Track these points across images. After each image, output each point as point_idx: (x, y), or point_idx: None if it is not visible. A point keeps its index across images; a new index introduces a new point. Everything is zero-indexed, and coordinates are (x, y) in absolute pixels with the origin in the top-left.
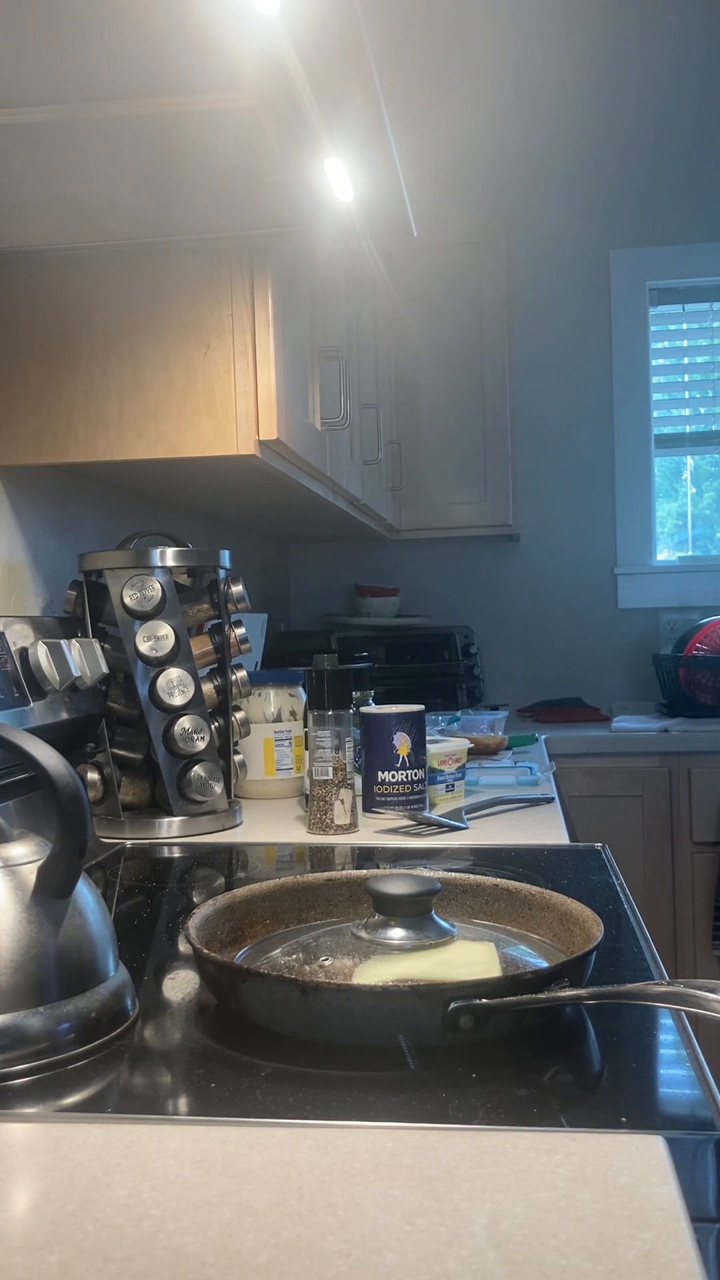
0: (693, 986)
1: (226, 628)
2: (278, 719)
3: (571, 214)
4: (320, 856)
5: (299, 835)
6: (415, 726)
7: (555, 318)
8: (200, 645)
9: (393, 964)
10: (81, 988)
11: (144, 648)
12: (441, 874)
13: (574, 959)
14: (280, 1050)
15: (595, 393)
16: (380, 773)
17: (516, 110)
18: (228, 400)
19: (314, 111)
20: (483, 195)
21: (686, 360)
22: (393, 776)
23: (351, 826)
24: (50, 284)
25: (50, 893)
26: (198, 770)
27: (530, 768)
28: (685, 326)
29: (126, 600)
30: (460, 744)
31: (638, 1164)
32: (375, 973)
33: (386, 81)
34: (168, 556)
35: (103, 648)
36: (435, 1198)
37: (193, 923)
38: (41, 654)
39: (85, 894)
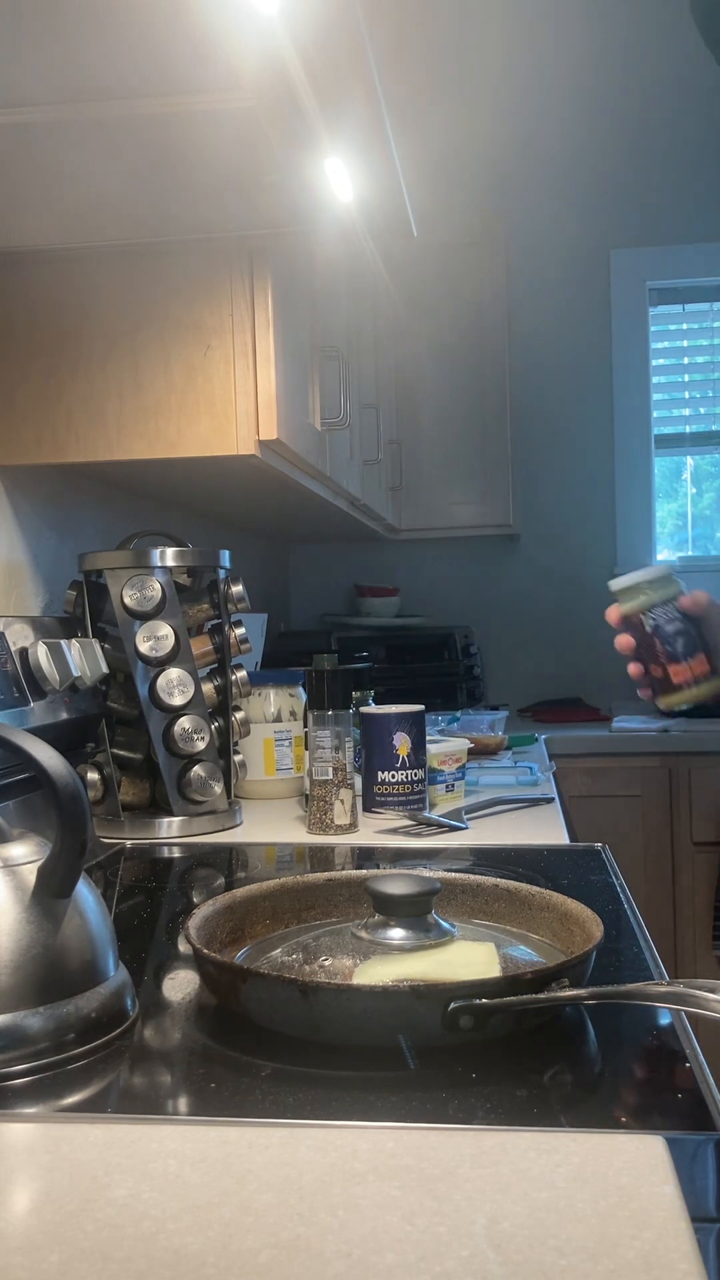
0: (693, 986)
1: (226, 628)
2: (278, 719)
3: (571, 214)
4: (320, 856)
5: (299, 835)
6: (415, 726)
7: (555, 318)
8: (200, 645)
9: (393, 964)
10: (81, 988)
11: (144, 648)
12: (441, 874)
13: (574, 959)
14: (280, 1050)
15: (595, 393)
16: (380, 773)
17: (516, 110)
18: (228, 400)
19: (314, 111)
20: (483, 195)
21: (686, 360)
22: (393, 776)
23: (351, 826)
24: (50, 284)
25: (50, 893)
26: (198, 770)
27: (530, 768)
28: (685, 326)
29: (126, 600)
30: (460, 744)
31: (638, 1164)
32: (375, 973)
33: (386, 81)
34: (168, 556)
35: (103, 648)
36: (435, 1198)
37: (193, 923)
38: (41, 654)
39: (85, 894)
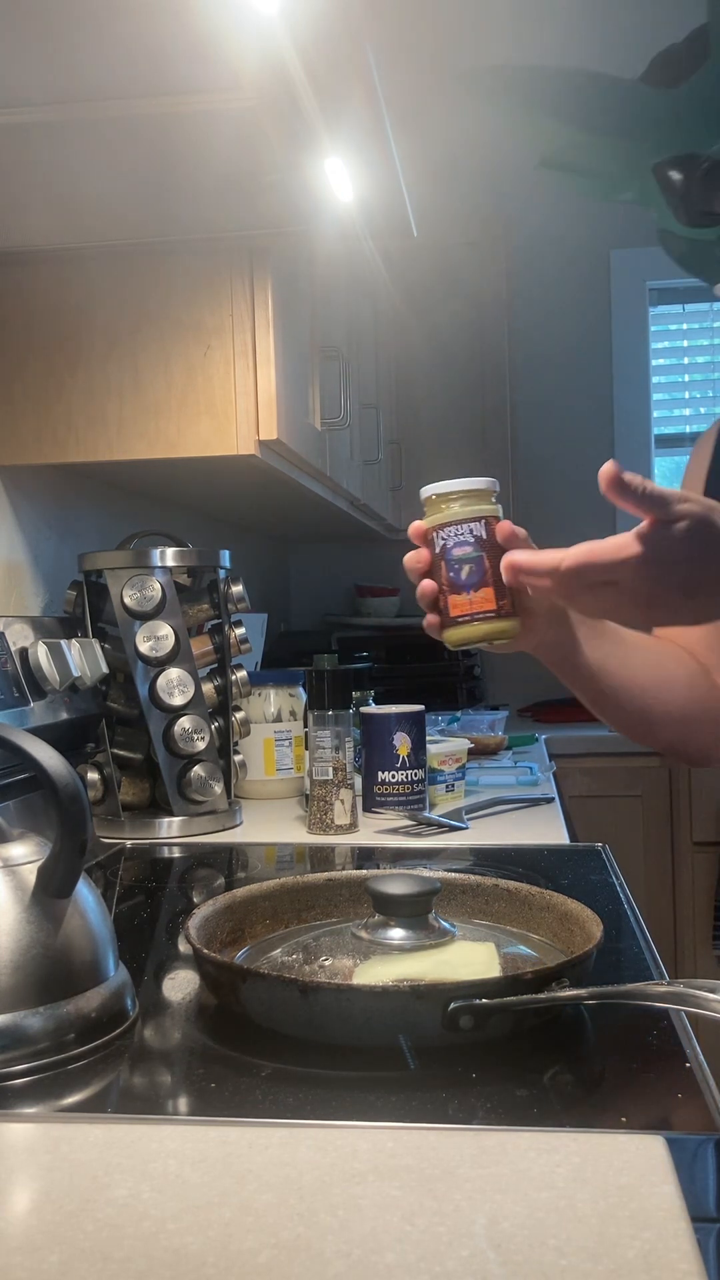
0: (693, 986)
1: (226, 628)
2: (278, 719)
3: (571, 214)
4: (320, 856)
5: (299, 835)
6: (415, 726)
7: (555, 318)
8: (200, 645)
9: (393, 964)
10: (82, 988)
11: (144, 648)
12: (441, 874)
13: (574, 959)
14: (280, 1050)
15: (595, 393)
16: (380, 773)
17: None
18: (228, 400)
19: (314, 111)
20: (483, 195)
21: (686, 360)
22: (393, 776)
23: (351, 826)
24: (50, 284)
25: (50, 893)
26: (198, 770)
27: (530, 768)
28: (685, 326)
29: (126, 600)
30: (460, 744)
31: (638, 1164)
32: (375, 973)
33: (386, 81)
34: (168, 556)
35: (103, 648)
36: (435, 1198)
37: (193, 923)
38: (41, 654)
39: (85, 894)
